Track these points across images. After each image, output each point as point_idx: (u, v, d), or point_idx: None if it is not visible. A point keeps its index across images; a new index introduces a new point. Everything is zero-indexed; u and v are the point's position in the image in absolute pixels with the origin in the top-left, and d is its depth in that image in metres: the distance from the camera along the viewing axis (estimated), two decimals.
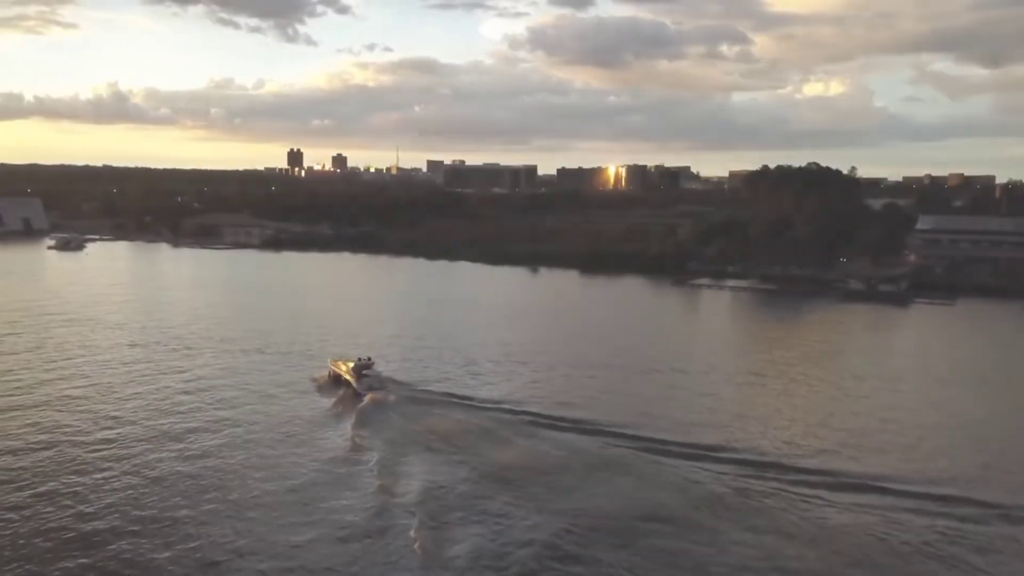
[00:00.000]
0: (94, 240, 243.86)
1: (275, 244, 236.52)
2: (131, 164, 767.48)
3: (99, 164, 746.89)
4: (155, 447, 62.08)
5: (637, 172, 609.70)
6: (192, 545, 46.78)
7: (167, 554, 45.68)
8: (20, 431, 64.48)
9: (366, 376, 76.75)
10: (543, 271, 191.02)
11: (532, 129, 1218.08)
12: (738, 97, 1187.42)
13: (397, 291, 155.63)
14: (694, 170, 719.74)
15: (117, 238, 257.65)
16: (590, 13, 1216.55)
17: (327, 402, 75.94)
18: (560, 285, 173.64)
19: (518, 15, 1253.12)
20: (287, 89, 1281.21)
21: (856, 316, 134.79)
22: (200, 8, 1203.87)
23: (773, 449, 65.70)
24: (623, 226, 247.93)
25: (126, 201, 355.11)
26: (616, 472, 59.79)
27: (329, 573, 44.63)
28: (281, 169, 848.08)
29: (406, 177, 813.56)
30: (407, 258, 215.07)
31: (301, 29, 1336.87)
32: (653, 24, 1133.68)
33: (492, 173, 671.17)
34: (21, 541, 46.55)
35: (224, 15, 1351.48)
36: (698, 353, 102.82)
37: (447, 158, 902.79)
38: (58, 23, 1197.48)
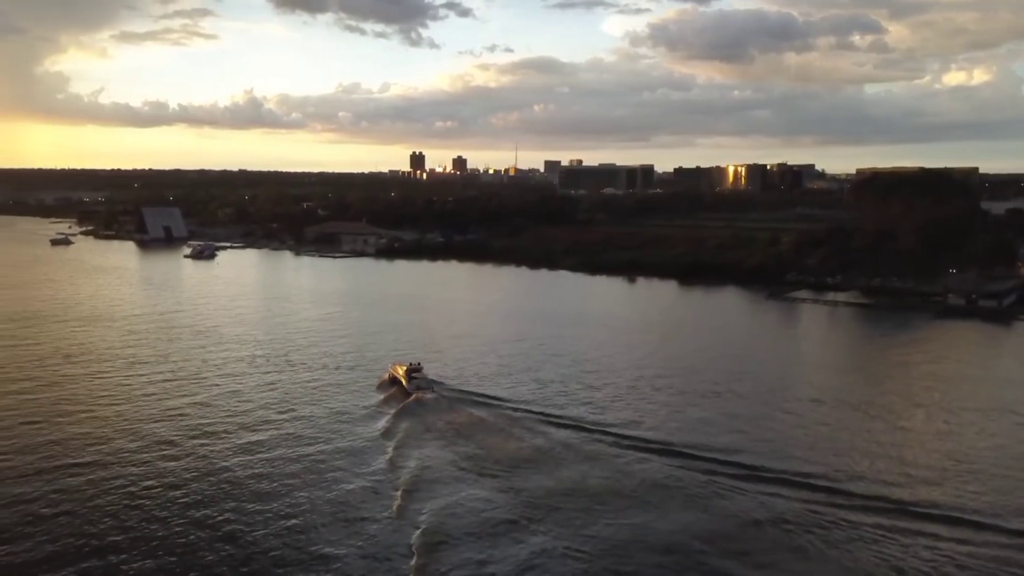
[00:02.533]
0: (225, 248, 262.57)
1: (389, 252, 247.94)
2: (264, 168, 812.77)
3: (235, 169, 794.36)
4: (219, 441, 70.20)
5: (757, 171, 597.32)
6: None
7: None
8: (114, 435, 73.63)
9: (415, 378, 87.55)
10: (641, 281, 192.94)
11: (653, 126, 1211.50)
12: (871, 89, 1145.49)
13: (491, 303, 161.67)
14: (819, 167, 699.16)
15: (246, 245, 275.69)
16: (713, 7, 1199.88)
17: (380, 396, 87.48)
18: (655, 297, 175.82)
19: (639, 11, 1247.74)
20: (411, 92, 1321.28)
21: (951, 335, 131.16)
22: (329, 16, 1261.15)
23: (873, 480, 64.94)
24: (730, 232, 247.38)
25: (257, 207, 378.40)
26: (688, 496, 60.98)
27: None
28: (404, 172, 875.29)
29: (523, 178, 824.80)
30: (510, 266, 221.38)
31: (424, 33, 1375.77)
32: (780, 16, 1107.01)
33: (608, 173, 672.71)
34: (87, 516, 54.42)
35: (351, 22, 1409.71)
36: (777, 371, 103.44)
37: (565, 157, 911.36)
38: (200, 34, 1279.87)
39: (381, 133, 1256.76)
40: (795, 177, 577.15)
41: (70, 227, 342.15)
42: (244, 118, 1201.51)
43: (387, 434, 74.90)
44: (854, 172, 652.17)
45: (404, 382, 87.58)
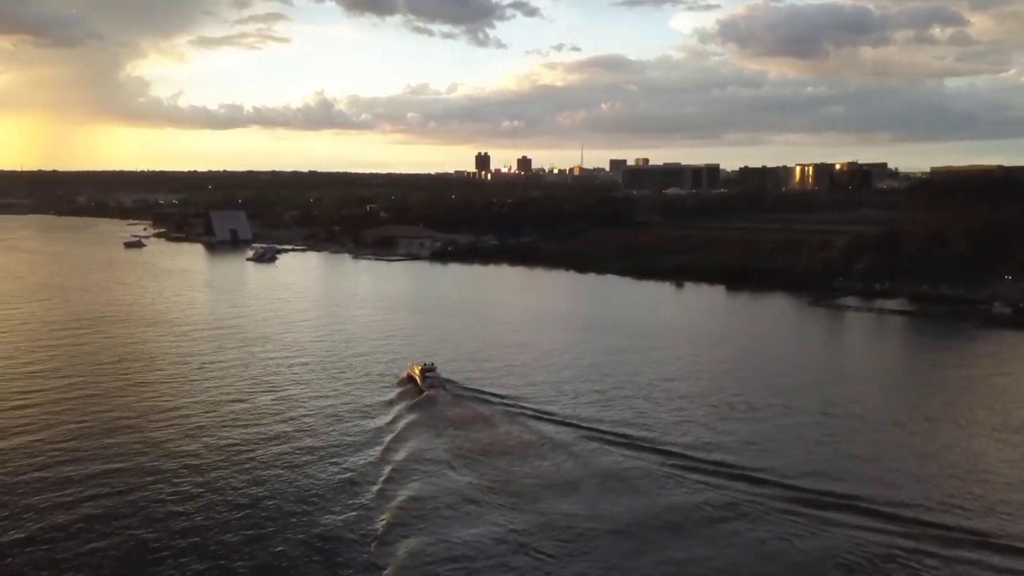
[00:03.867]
0: (287, 251, 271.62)
1: (443, 256, 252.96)
2: (334, 169, 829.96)
3: (306, 170, 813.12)
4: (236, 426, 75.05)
5: (824, 171, 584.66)
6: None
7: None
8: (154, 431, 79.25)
9: (428, 377, 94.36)
10: (688, 287, 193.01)
11: (723, 123, 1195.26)
12: (951, 83, 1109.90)
13: (526, 307, 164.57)
14: (893, 166, 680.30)
15: (308, 248, 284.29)
16: (784, 2, 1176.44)
17: (397, 392, 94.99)
18: (701, 303, 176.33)
19: (708, 8, 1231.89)
20: (478, 92, 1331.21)
21: (995, 346, 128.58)
22: (398, 18, 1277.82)
23: (937, 506, 63.66)
24: (784, 236, 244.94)
25: (322, 210, 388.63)
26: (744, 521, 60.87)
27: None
28: (469, 173, 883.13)
29: (588, 178, 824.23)
30: (559, 270, 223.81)
31: (491, 33, 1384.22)
32: (855, 9, 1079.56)
33: (673, 173, 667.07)
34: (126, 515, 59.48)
35: (419, 23, 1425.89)
36: (803, 384, 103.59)
37: (632, 156, 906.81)
38: (273, 38, 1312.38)
39: (448, 133, 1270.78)
40: (864, 177, 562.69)
41: (145, 229, 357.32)
42: (316, 119, 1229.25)
43: (392, 423, 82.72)
44: (928, 170, 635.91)
45: (419, 380, 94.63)
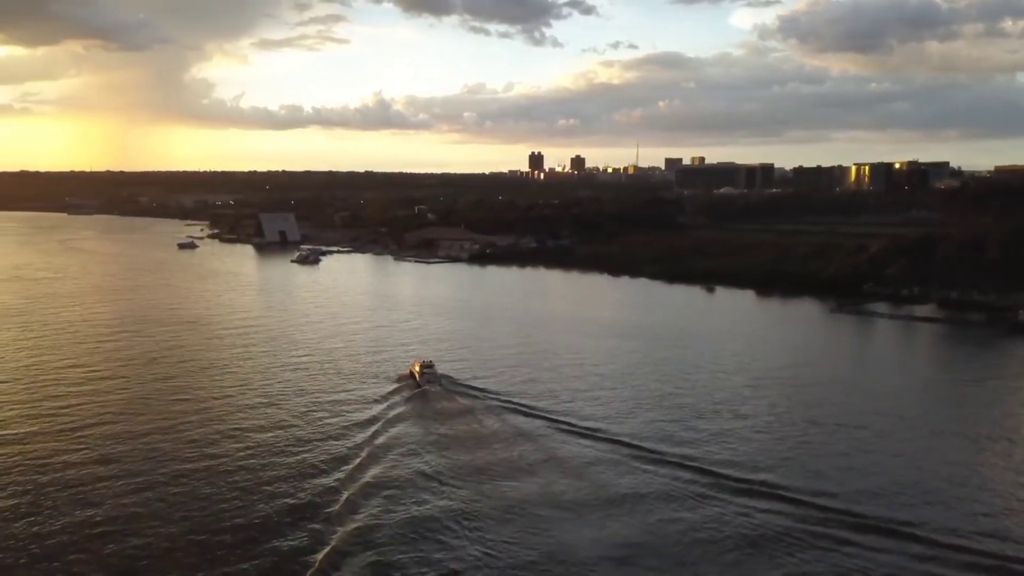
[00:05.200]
0: (332, 252, 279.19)
1: (481, 258, 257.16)
2: (390, 169, 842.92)
3: (362, 170, 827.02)
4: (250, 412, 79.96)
5: (881, 170, 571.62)
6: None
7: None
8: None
9: (426, 373, 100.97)
10: (719, 291, 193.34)
11: (783, 120, 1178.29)
12: None
13: (549, 311, 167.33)
14: (956, 164, 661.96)
15: (353, 250, 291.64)
16: None
17: (396, 385, 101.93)
18: (730, 308, 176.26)
19: (768, 3, 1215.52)
20: (534, 91, 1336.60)
21: (1020, 356, 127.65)
22: (454, 18, 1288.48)
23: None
24: (823, 239, 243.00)
25: (371, 211, 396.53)
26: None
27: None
28: (522, 172, 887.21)
29: (642, 177, 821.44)
30: (593, 273, 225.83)
31: (547, 32, 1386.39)
32: (921, 3, 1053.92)
33: (726, 172, 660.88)
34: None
35: (476, 23, 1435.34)
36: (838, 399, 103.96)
37: (688, 154, 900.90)
38: (333, 39, 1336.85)
39: (504, 132, 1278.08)
40: (922, 176, 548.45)
41: (201, 230, 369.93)
42: (373, 119, 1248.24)
43: (384, 413, 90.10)
44: (993, 169, 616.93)
45: (417, 376, 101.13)
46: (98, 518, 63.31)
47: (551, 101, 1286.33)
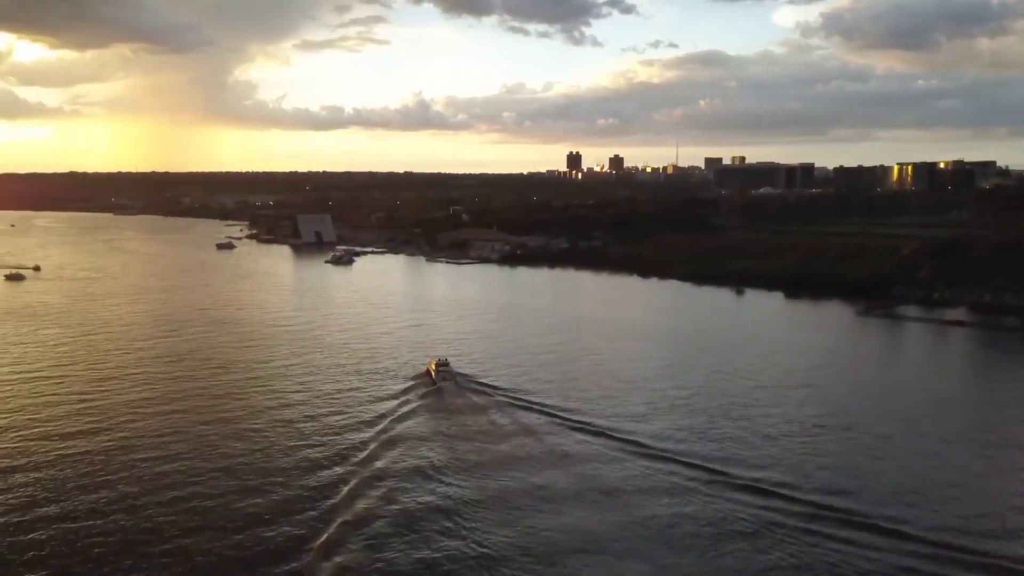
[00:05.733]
0: (366, 253, 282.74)
1: (512, 259, 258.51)
2: (429, 170, 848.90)
3: (401, 171, 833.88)
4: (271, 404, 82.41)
5: (924, 170, 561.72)
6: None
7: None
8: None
9: (442, 370, 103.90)
10: (748, 293, 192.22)
11: (827, 119, 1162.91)
12: None
13: (575, 312, 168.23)
14: (1004, 163, 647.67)
15: (388, 251, 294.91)
16: None
17: (412, 382, 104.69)
18: (756, 310, 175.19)
19: (811, 1, 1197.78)
20: (573, 90, 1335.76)
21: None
22: (494, 18, 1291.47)
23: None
24: (857, 240, 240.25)
25: (406, 212, 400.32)
26: None
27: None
28: (560, 172, 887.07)
29: (681, 177, 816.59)
30: (623, 275, 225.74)
31: (587, 31, 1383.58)
32: None
33: (766, 172, 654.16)
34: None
35: (515, 23, 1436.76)
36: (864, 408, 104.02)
37: (728, 154, 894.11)
38: (373, 40, 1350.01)
39: (543, 132, 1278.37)
40: (967, 176, 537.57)
41: (241, 230, 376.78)
42: (413, 120, 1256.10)
43: (397, 408, 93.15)
44: None
45: (433, 374, 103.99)
46: (110, 495, 67.54)
47: (590, 100, 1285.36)
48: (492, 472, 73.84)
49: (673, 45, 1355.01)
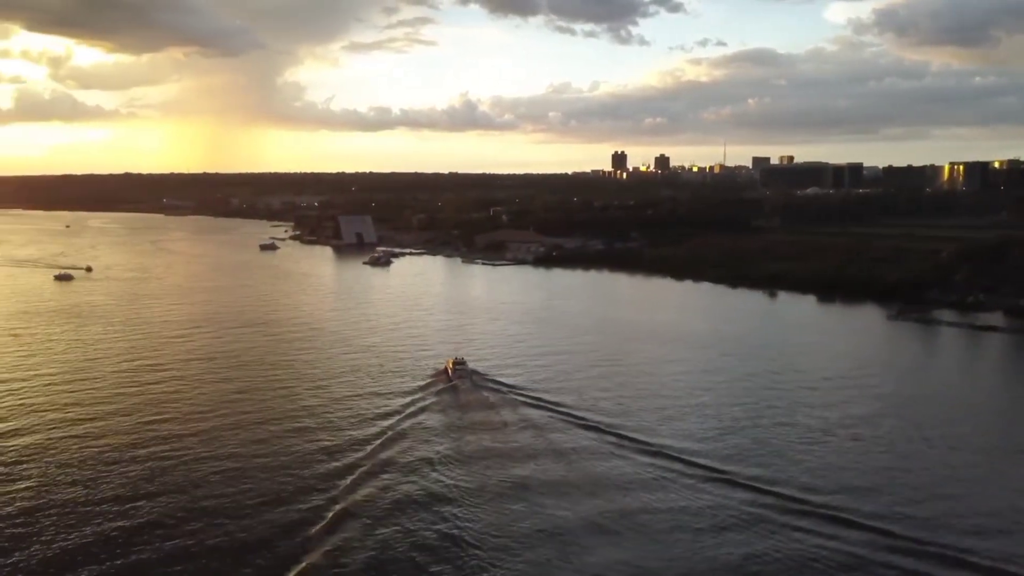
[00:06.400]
0: (404, 255, 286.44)
1: (546, 261, 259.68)
2: (475, 170, 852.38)
3: (446, 172, 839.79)
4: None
5: (976, 170, 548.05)
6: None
7: None
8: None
9: (458, 368, 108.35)
10: (781, 296, 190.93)
11: (880, 117, 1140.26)
12: None
13: (601, 315, 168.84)
14: None
15: (426, 252, 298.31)
16: None
17: (429, 380, 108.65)
18: (785, 314, 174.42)
19: None
20: (620, 90, 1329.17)
21: None
22: (540, 18, 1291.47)
23: None
24: (894, 243, 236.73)
25: (446, 213, 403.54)
26: None
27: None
28: (605, 172, 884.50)
29: (727, 176, 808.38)
30: (657, 277, 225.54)
31: (634, 31, 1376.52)
32: None
33: (813, 172, 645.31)
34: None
35: (561, 23, 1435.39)
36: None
37: (778, 152, 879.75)
38: (420, 41, 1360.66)
39: (590, 132, 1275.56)
40: (1022, 176, 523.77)
41: (286, 231, 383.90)
42: (460, 120, 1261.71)
43: (412, 403, 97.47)
44: None
45: (450, 372, 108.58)
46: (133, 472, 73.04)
47: (637, 100, 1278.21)
48: (493, 463, 77.46)
49: (721, 43, 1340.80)
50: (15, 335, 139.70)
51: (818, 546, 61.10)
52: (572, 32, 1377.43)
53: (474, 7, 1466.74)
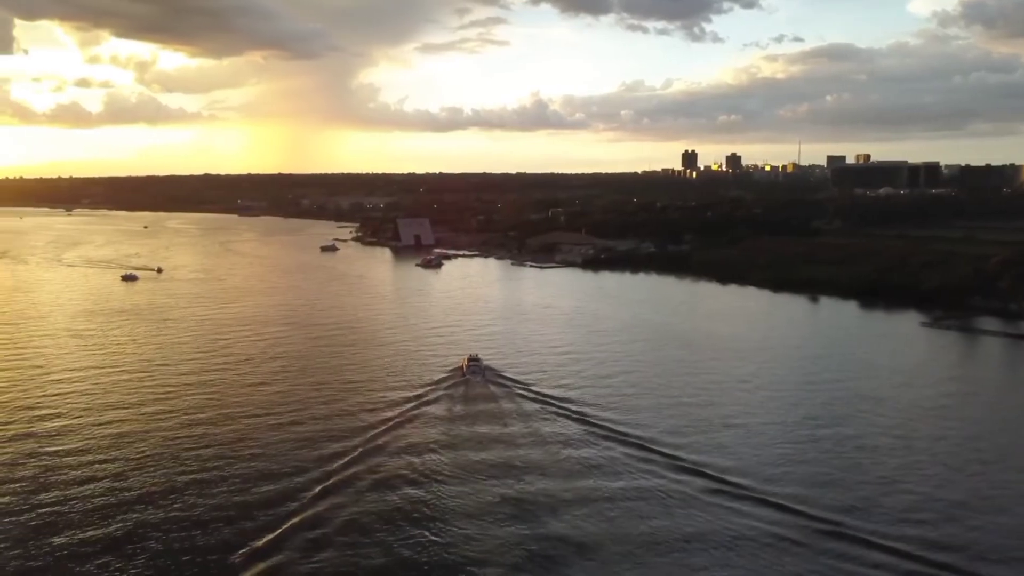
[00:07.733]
0: (457, 256, 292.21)
1: (595, 263, 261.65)
2: (545, 170, 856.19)
3: (514, 172, 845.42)
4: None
5: None
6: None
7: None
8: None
9: (472, 365, 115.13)
10: (824, 301, 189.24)
11: (966, 113, 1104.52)
12: None
13: (641, 322, 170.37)
14: None
15: (480, 254, 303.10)
16: None
17: (446, 374, 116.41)
18: (821, 319, 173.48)
19: None
20: (694, 87, 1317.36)
21: None
22: (611, 17, 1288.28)
23: None
24: (948, 246, 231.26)
25: (504, 214, 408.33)
26: None
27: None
28: (675, 171, 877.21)
29: (800, 176, 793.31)
30: (704, 281, 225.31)
31: (707, 27, 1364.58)
32: None
33: (888, 171, 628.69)
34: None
35: (633, 21, 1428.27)
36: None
37: (856, 151, 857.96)
38: (492, 42, 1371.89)
39: (662, 130, 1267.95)
40: None
41: (351, 232, 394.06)
42: (531, 120, 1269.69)
43: (424, 395, 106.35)
44: None
45: (464, 368, 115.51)
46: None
47: (711, 97, 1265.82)
48: (488, 451, 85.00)
49: (798, 39, 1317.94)
50: (77, 335, 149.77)
51: None
52: (644, 30, 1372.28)
53: (545, 7, 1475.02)
